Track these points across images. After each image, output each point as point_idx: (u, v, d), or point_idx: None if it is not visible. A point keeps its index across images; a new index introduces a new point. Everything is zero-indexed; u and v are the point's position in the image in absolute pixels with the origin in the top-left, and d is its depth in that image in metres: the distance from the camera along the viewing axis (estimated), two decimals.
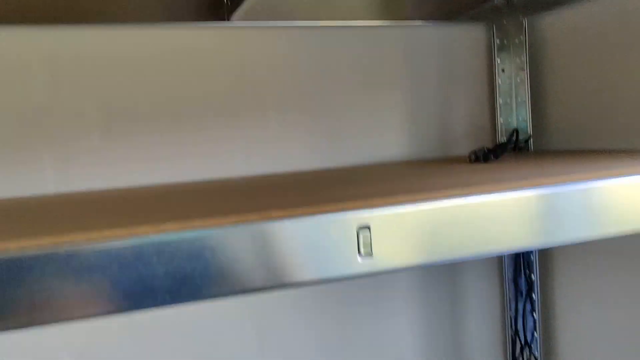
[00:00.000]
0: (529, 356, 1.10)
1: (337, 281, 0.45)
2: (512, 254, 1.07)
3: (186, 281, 0.41)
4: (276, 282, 0.43)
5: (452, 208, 0.48)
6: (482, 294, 1.11)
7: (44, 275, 0.37)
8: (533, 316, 1.08)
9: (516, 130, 0.98)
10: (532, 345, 1.09)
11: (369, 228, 0.45)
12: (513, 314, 1.10)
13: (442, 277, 1.08)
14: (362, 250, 0.45)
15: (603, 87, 0.94)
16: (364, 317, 1.03)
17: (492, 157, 0.78)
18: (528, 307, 1.08)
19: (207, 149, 0.90)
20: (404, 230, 0.46)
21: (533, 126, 1.02)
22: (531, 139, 0.99)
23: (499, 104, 1.03)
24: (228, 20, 0.89)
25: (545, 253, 1.07)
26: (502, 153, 0.80)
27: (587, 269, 1.01)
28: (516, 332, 1.10)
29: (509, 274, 1.08)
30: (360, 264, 0.45)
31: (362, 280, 1.01)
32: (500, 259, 1.10)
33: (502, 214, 0.49)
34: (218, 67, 0.91)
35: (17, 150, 0.82)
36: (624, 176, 0.54)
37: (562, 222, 0.51)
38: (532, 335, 1.08)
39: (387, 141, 1.00)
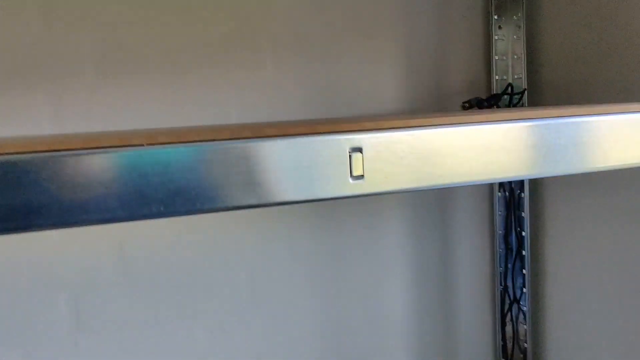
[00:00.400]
0: (517, 312, 1.12)
1: (329, 201, 0.46)
2: (504, 211, 1.08)
3: (180, 193, 0.41)
4: (268, 200, 0.44)
5: (445, 134, 0.49)
6: (472, 250, 1.13)
7: (40, 180, 0.38)
8: (522, 273, 1.09)
9: (511, 85, 0.98)
10: (521, 302, 1.11)
11: (361, 150, 0.46)
12: (503, 270, 1.11)
13: (432, 232, 1.09)
14: (353, 171, 0.46)
15: (598, 44, 0.94)
16: (354, 265, 1.04)
17: (485, 105, 0.79)
18: (518, 263, 1.09)
19: (202, 93, 0.91)
20: (396, 155, 0.47)
21: (528, 83, 1.02)
22: (526, 93, 1.00)
23: (495, 61, 1.03)
24: None
25: (537, 210, 1.08)
26: (496, 102, 0.81)
27: (577, 227, 1.02)
28: (505, 288, 1.12)
29: (499, 230, 1.09)
30: (352, 185, 0.46)
31: (355, 221, 1.02)
32: (491, 215, 1.11)
33: (493, 144, 0.50)
34: (214, 7, 0.91)
35: (11, 90, 0.82)
36: (611, 114, 0.55)
37: (550, 154, 0.52)
38: (521, 291, 1.10)
39: (382, 94, 1.01)
